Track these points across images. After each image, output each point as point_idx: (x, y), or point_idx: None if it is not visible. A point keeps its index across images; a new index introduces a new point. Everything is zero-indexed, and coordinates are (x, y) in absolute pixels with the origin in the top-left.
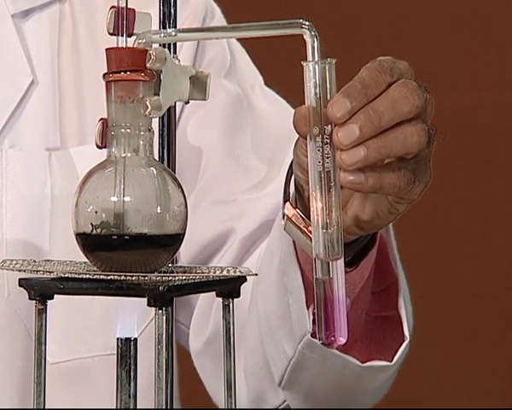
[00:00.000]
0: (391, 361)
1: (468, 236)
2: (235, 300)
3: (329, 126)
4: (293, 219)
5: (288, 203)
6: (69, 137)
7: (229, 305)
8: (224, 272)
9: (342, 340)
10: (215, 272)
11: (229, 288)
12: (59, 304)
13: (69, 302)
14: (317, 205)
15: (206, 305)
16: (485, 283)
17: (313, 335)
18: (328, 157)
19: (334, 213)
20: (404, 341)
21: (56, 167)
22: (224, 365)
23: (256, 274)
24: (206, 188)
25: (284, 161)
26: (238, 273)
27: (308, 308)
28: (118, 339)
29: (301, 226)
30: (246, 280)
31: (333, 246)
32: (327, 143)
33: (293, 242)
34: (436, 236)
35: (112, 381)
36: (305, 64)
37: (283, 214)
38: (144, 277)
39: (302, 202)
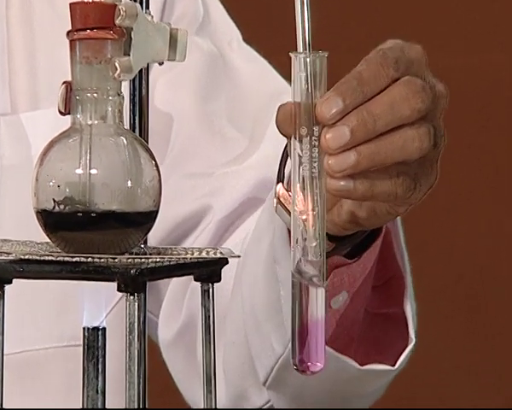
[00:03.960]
0: (393, 365)
1: (474, 221)
2: (215, 285)
3: (318, 127)
4: (286, 204)
5: (280, 185)
6: (20, 102)
7: (208, 290)
8: (203, 254)
9: (319, 365)
10: (193, 254)
11: (208, 271)
12: (9, 288)
13: (20, 286)
14: (298, 215)
15: (179, 290)
16: (488, 276)
17: None
18: (315, 162)
19: (318, 225)
20: (408, 342)
21: (5, 134)
22: (203, 357)
23: (239, 256)
24: (178, 160)
25: (267, 130)
26: (219, 255)
27: None
28: (84, 328)
29: None
30: (227, 262)
31: (314, 265)
32: (315, 146)
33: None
34: (438, 219)
35: (68, 376)
36: (293, 56)
37: (275, 197)
38: (114, 259)
39: None
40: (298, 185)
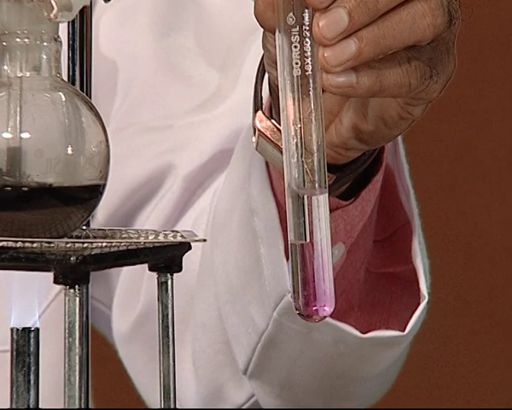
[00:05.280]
0: (403, 331)
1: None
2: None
3: (307, 13)
4: (268, 134)
5: (259, 113)
6: None
7: (166, 282)
8: (160, 238)
9: (327, 310)
10: (147, 238)
11: (166, 259)
12: None
13: None
14: (290, 124)
15: (136, 271)
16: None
17: None
18: (307, 56)
19: (315, 134)
20: (419, 302)
21: None
22: (160, 365)
23: (205, 240)
24: (131, 111)
25: (242, 70)
26: (179, 239)
27: (287, 259)
28: (12, 330)
29: (279, 143)
30: (190, 248)
31: (313, 177)
32: (306, 37)
33: (267, 168)
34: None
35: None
36: None
37: (254, 128)
38: (50, 243)
39: (279, 111)
40: (288, 89)
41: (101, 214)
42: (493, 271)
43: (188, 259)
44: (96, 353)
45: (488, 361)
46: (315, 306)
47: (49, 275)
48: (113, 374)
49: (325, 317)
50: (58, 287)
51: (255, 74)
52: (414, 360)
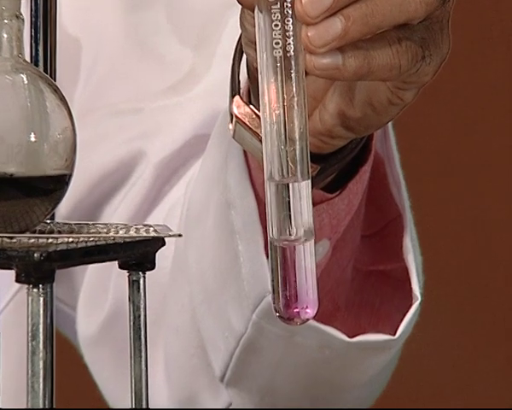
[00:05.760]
0: (393, 335)
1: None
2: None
3: None
4: (247, 121)
5: (237, 98)
6: None
7: (138, 281)
8: (132, 232)
9: (309, 312)
10: (118, 232)
11: (138, 256)
12: None
13: None
14: (270, 110)
15: (103, 268)
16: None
17: None
18: (288, 36)
19: (298, 120)
20: (411, 303)
21: None
22: (131, 370)
23: (180, 235)
24: (98, 93)
25: (217, 48)
26: (153, 234)
27: (267, 256)
28: None
29: (258, 131)
30: (164, 244)
31: (295, 167)
32: (288, 16)
33: (245, 157)
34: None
35: None
36: None
37: (231, 115)
38: (11, 239)
39: (258, 96)
40: (268, 72)
41: (66, 205)
42: (491, 269)
43: (160, 255)
44: (58, 357)
45: (484, 365)
46: (296, 308)
47: (10, 273)
48: (78, 381)
49: (307, 320)
50: (16, 286)
51: (232, 55)
52: (406, 366)
